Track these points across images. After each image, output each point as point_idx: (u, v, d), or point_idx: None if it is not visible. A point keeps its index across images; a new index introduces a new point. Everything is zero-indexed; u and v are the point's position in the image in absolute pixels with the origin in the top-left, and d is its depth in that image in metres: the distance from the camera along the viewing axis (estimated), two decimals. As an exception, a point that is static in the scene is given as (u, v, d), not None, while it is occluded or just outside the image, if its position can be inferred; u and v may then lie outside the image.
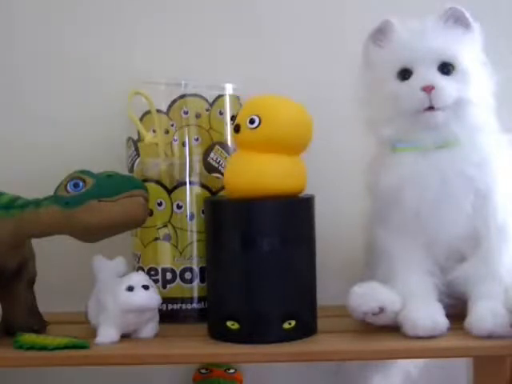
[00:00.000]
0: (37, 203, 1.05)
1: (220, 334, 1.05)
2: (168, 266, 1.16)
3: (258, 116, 1.03)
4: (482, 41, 1.07)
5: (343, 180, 1.26)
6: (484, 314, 1.00)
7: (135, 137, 1.18)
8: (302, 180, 1.06)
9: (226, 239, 1.04)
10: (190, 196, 1.16)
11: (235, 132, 1.05)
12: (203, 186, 1.17)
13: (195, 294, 1.16)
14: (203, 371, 1.26)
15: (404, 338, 1.02)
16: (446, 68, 1.04)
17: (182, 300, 1.16)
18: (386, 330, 1.04)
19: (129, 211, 1.03)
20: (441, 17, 1.06)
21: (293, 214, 1.04)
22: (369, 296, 1.03)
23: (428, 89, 1.02)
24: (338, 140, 1.27)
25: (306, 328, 1.05)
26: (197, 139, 1.17)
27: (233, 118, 1.16)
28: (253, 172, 1.03)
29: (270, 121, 1.03)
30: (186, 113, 1.17)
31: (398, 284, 1.05)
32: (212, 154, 1.17)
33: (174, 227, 1.16)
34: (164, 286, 1.16)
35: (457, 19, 1.06)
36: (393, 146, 1.07)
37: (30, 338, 1.04)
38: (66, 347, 1.02)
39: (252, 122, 1.03)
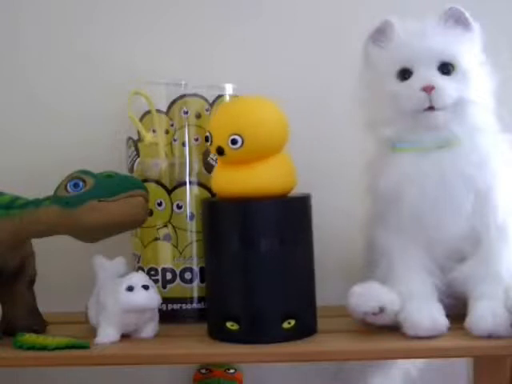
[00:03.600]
0: (37, 203, 1.05)
1: (220, 334, 1.05)
2: (168, 266, 1.16)
3: (239, 135, 1.01)
4: (482, 41, 1.07)
5: (343, 180, 1.26)
6: (484, 314, 1.00)
7: (135, 137, 1.18)
8: (292, 176, 1.06)
9: (224, 240, 1.03)
10: (190, 196, 1.16)
11: (219, 155, 1.03)
12: (203, 186, 1.17)
13: (195, 294, 1.16)
14: (203, 371, 1.26)
15: (404, 338, 1.02)
16: (445, 68, 1.04)
17: (182, 300, 1.16)
18: (385, 330, 1.04)
19: (129, 211, 1.03)
20: (441, 17, 1.06)
21: (290, 213, 1.04)
22: (369, 296, 1.03)
23: (428, 89, 1.02)
24: (338, 140, 1.27)
25: (306, 328, 1.05)
26: (197, 139, 1.17)
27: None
28: (241, 181, 1.03)
29: (253, 137, 1.02)
30: (186, 113, 1.17)
31: (397, 284, 1.05)
32: (212, 154, 1.17)
33: (174, 227, 1.16)
34: (164, 286, 1.16)
35: (457, 19, 1.06)
36: (393, 145, 1.07)
37: (30, 338, 1.04)
38: (66, 347, 1.02)
39: (234, 142, 1.02)
